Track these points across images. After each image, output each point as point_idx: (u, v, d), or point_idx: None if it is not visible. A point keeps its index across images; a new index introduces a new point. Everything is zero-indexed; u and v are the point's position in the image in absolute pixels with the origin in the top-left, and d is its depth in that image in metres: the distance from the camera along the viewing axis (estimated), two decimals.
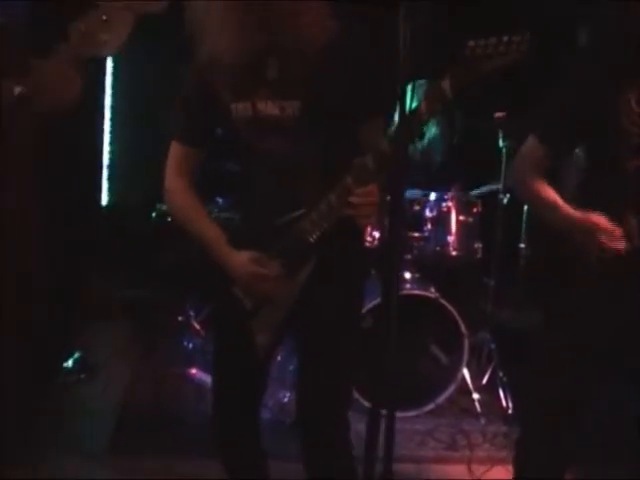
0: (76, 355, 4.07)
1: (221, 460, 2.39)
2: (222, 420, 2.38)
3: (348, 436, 2.28)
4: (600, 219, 2.22)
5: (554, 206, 2.34)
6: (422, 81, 3.78)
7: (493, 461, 3.37)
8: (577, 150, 2.49)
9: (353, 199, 2.00)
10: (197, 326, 4.40)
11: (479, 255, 4.13)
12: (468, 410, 3.92)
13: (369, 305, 3.39)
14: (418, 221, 4.08)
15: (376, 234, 3.88)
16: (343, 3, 2.15)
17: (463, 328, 3.80)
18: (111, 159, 5.76)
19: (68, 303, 4.08)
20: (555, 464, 2.43)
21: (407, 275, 4.00)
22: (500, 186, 4.21)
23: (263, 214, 2.19)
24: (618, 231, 2.20)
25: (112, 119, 5.68)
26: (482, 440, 3.65)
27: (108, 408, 3.75)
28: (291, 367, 3.57)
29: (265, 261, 2.14)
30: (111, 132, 5.70)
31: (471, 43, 1.85)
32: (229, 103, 2.14)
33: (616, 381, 2.61)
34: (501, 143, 4.09)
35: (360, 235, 2.45)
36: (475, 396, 3.93)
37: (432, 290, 3.88)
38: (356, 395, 3.34)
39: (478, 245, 4.12)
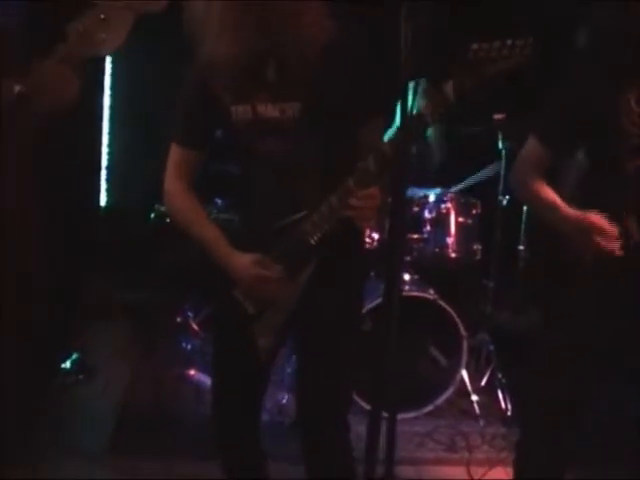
0: (74, 356, 4.07)
1: (221, 461, 2.39)
2: (222, 421, 2.38)
3: (348, 437, 2.28)
4: (597, 219, 2.21)
5: (554, 206, 2.34)
6: (421, 80, 3.77)
7: (492, 463, 3.36)
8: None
9: (354, 201, 2.00)
10: (196, 327, 4.40)
11: (478, 257, 4.13)
12: (467, 412, 3.92)
13: (368, 307, 3.39)
14: (417, 222, 4.07)
15: (375, 236, 3.87)
16: (342, 3, 2.14)
17: (462, 330, 3.80)
18: (110, 160, 5.75)
19: (68, 303, 4.08)
20: (555, 464, 2.43)
21: (406, 277, 4.00)
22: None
23: (263, 215, 2.19)
24: (614, 232, 2.20)
25: (111, 120, 5.68)
26: (481, 442, 3.64)
27: (107, 408, 3.75)
28: (289, 369, 3.57)
29: (267, 263, 2.13)
30: (110, 133, 5.69)
31: (474, 46, 1.84)
32: (229, 105, 2.13)
33: (616, 381, 2.61)
34: (500, 145, 4.10)
35: (360, 237, 2.45)
36: (474, 398, 3.92)
37: (431, 292, 3.88)
38: (355, 397, 3.34)
39: (477, 247, 4.12)
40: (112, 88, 5.60)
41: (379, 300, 3.44)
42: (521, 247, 4.34)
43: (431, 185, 4.20)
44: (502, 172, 4.10)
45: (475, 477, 3.30)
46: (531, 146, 2.41)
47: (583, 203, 2.29)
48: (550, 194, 2.36)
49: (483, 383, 4.08)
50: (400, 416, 3.59)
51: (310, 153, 2.13)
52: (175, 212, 2.34)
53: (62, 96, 2.11)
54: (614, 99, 2.24)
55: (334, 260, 2.14)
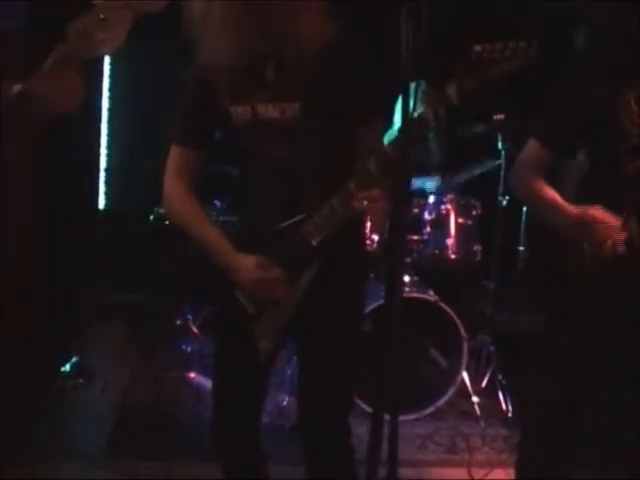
0: (73, 359, 4.06)
1: (221, 463, 2.38)
2: (222, 424, 2.37)
3: (349, 440, 2.28)
4: (599, 212, 2.21)
5: (554, 205, 2.33)
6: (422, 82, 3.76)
7: (493, 464, 3.36)
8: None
9: (356, 204, 1.99)
10: (195, 329, 4.39)
11: (478, 258, 4.13)
12: (468, 413, 3.91)
13: (368, 308, 3.38)
14: (417, 224, 4.07)
15: (375, 237, 3.87)
16: (342, 3, 2.14)
17: (462, 331, 3.80)
18: (109, 161, 5.74)
19: (67, 305, 4.07)
20: (555, 464, 2.43)
21: (406, 278, 3.99)
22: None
23: (263, 216, 2.18)
24: (617, 223, 2.19)
25: (109, 121, 5.67)
26: (482, 443, 3.64)
27: (107, 411, 3.75)
28: (290, 371, 3.56)
29: (269, 266, 2.12)
30: (109, 134, 5.68)
31: (477, 47, 1.83)
32: (228, 106, 2.13)
33: (616, 381, 2.60)
34: (500, 145, 4.09)
35: (361, 238, 2.44)
36: (475, 399, 3.92)
37: (431, 293, 3.87)
38: (357, 400, 3.34)
39: (477, 248, 4.12)
40: (111, 89, 5.59)
41: (379, 302, 3.44)
42: (521, 248, 4.34)
43: (429, 174, 4.18)
44: (502, 172, 4.10)
45: (476, 479, 3.30)
46: (531, 147, 2.41)
47: (583, 203, 2.28)
48: (550, 193, 2.36)
49: (484, 384, 4.08)
50: (401, 418, 3.56)
51: (310, 153, 2.12)
52: (175, 214, 2.31)
53: (66, 97, 2.11)
54: (614, 99, 2.24)
55: (335, 262, 2.13)
